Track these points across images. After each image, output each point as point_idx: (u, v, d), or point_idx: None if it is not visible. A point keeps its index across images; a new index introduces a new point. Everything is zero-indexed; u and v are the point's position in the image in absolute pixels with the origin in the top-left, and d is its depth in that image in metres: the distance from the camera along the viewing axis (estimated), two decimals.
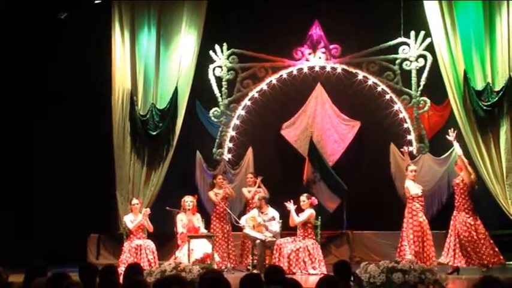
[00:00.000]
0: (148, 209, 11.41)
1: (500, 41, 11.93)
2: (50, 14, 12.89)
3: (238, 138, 13.33)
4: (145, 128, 13.07)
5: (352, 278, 6.20)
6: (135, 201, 11.46)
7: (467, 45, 12.07)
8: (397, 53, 12.82)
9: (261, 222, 11.07)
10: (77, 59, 13.11)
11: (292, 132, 13.20)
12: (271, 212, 11.18)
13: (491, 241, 10.50)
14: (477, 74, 12.02)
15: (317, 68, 13.14)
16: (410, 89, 12.75)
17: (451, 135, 11.02)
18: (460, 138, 12.16)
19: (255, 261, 11.06)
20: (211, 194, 11.95)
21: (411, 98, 12.72)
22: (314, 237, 11.02)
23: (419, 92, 12.70)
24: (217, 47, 13.30)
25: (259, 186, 11.90)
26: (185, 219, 11.12)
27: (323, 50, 13.09)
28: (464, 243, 10.42)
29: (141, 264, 9.59)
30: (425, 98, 12.66)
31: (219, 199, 11.78)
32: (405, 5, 12.57)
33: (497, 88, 11.90)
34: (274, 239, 11.01)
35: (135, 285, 4.79)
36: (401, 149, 11.55)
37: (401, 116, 12.77)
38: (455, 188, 10.64)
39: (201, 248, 10.80)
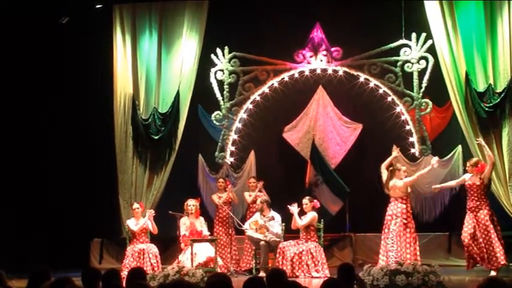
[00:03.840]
0: (152, 210, 11.40)
1: (502, 42, 11.94)
2: (51, 18, 12.89)
3: (240, 141, 13.33)
4: (148, 132, 13.09)
5: (355, 281, 6.19)
6: (135, 205, 11.44)
7: (468, 47, 12.08)
8: (399, 55, 12.82)
9: (262, 224, 11.08)
10: (78, 63, 13.12)
11: (294, 135, 13.19)
12: (273, 214, 11.19)
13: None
14: (479, 75, 12.04)
15: (318, 71, 13.14)
16: (412, 91, 12.75)
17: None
18: (462, 139, 12.19)
19: (258, 264, 11.06)
20: (214, 197, 11.98)
21: (413, 100, 12.72)
22: (317, 240, 11.01)
23: (421, 94, 12.70)
24: (218, 50, 13.30)
25: (260, 191, 11.90)
26: (188, 223, 11.12)
27: (324, 52, 13.09)
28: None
29: (144, 269, 9.57)
30: (427, 100, 12.67)
31: (221, 202, 11.79)
32: (406, 7, 12.57)
33: (499, 89, 11.92)
34: (278, 239, 11.01)
35: None
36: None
37: (403, 118, 12.77)
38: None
39: (204, 251, 10.80)
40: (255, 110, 13.33)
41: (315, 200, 11.22)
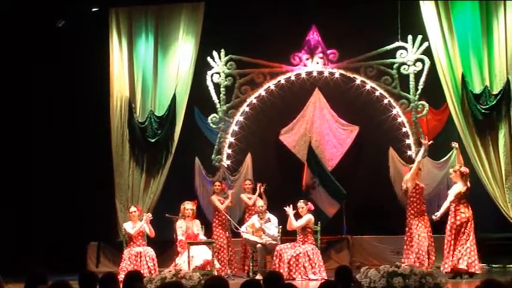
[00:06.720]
0: (149, 214, 11.38)
1: (498, 43, 11.95)
2: (47, 22, 12.90)
3: (237, 144, 13.33)
4: (144, 135, 13.08)
5: (352, 284, 6.19)
6: (132, 208, 11.40)
7: (464, 49, 12.10)
8: (395, 58, 12.83)
9: (258, 227, 11.08)
10: (74, 66, 13.12)
11: (291, 137, 13.19)
12: (269, 216, 11.20)
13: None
14: (475, 77, 12.05)
15: (315, 73, 13.15)
16: (409, 93, 12.76)
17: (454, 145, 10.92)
18: (459, 141, 12.18)
19: (256, 267, 11.05)
20: (214, 199, 11.90)
21: (409, 102, 12.74)
22: (314, 243, 11.00)
23: (417, 96, 12.71)
24: (215, 53, 13.31)
25: (260, 194, 11.86)
26: (184, 226, 11.10)
27: (321, 55, 13.10)
28: None
29: (141, 272, 9.56)
30: (423, 102, 12.68)
31: (223, 207, 11.70)
32: (402, 9, 12.57)
33: (495, 91, 11.93)
34: (275, 242, 11.00)
35: None
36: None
37: (399, 120, 12.78)
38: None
39: (201, 254, 10.77)
40: (251, 112, 13.33)
41: (309, 203, 11.21)
